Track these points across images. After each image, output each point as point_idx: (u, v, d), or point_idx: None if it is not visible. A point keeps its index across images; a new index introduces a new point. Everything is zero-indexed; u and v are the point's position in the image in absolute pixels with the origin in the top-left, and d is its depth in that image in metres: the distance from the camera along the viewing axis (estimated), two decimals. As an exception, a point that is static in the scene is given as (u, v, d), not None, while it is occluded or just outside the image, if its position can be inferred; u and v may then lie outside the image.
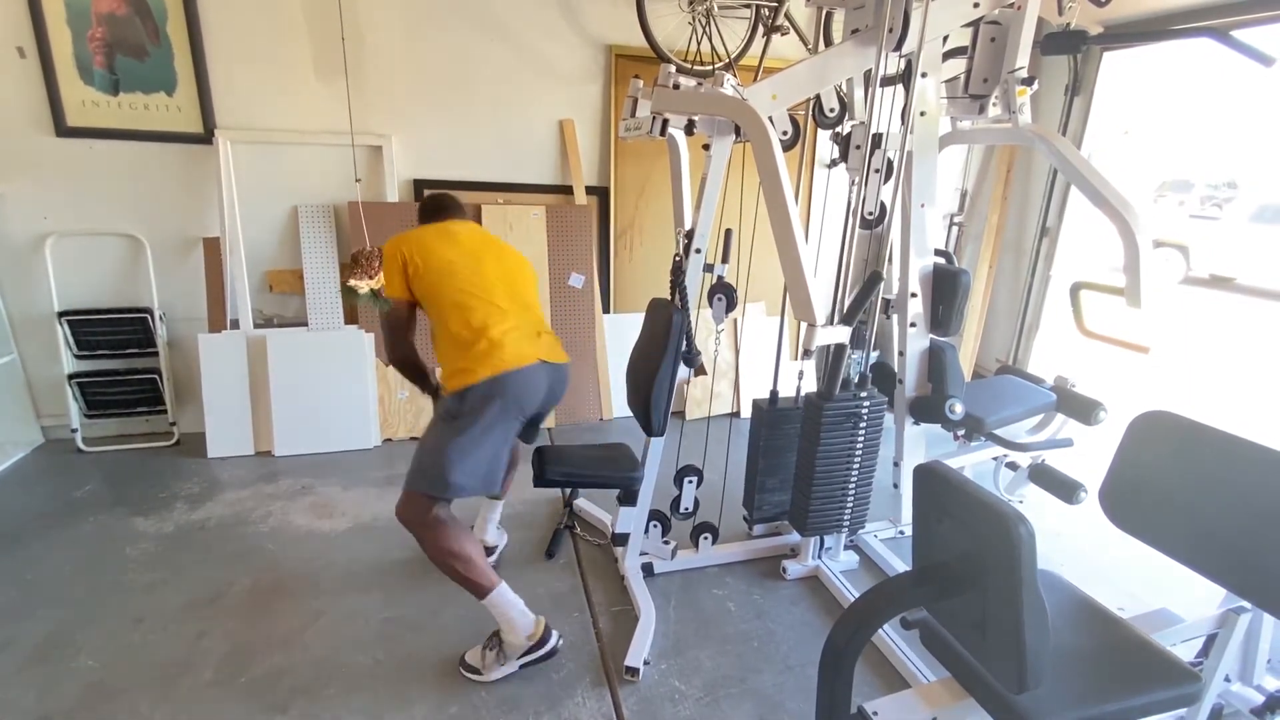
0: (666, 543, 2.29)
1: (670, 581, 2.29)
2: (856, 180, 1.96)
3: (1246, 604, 1.63)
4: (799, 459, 2.17)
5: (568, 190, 3.46)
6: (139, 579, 2.21)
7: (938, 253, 2.28)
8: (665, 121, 1.79)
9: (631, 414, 2.15)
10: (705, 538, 2.35)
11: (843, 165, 2.22)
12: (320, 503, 2.73)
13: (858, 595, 2.17)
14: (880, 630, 2.01)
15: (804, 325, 1.55)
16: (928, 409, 2.32)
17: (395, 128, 3.19)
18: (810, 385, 2.25)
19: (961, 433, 2.70)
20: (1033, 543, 1.14)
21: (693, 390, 3.63)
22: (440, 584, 2.22)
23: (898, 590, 1.36)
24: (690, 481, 2.28)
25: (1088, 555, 2.51)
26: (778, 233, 1.45)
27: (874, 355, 2.31)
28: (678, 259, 1.99)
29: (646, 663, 1.88)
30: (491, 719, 1.71)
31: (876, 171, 1.98)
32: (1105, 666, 1.39)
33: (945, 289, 2.22)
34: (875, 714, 1.36)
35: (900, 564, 2.37)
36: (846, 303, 2.00)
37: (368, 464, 3.07)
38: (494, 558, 2.35)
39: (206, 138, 2.99)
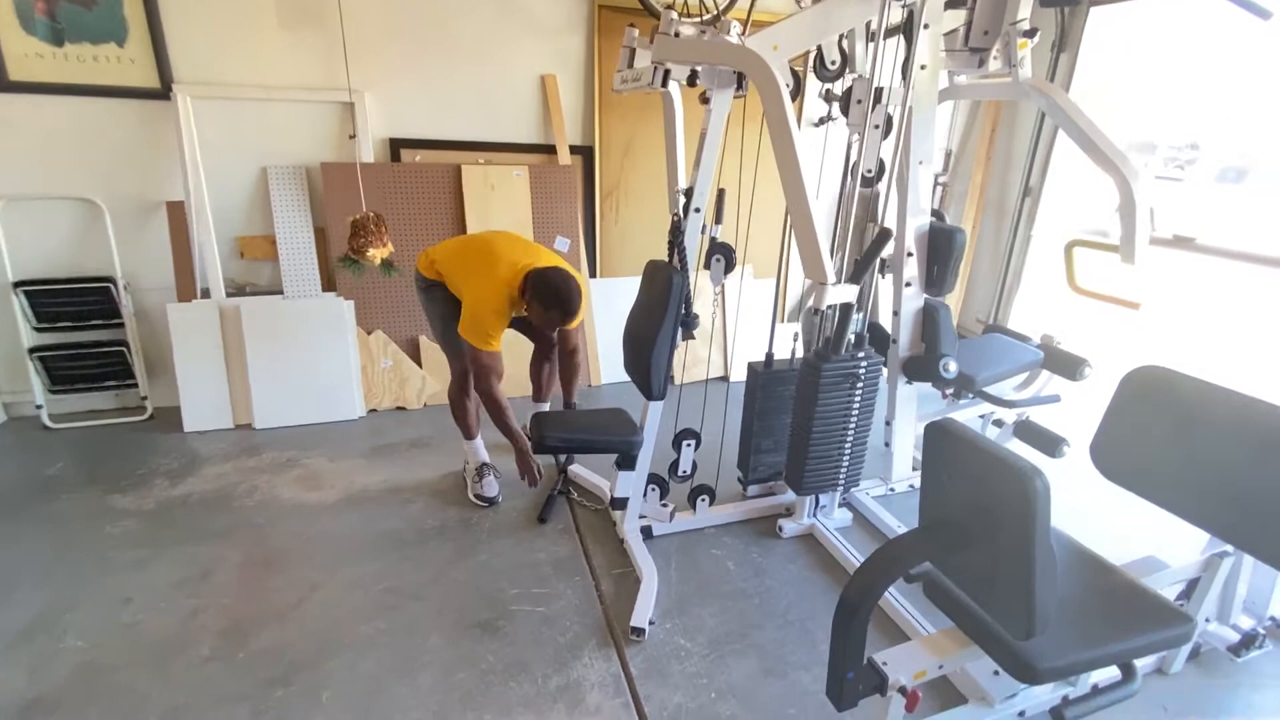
0: (665, 505, 2.29)
1: (669, 543, 2.30)
2: (858, 136, 1.92)
3: (1229, 548, 1.70)
4: (796, 420, 2.17)
5: (550, 149, 3.35)
6: (123, 557, 2.14)
7: (931, 212, 2.27)
8: (667, 72, 1.72)
9: (623, 379, 2.13)
10: (703, 499, 2.36)
11: (829, 124, 2.18)
12: (307, 475, 2.66)
13: (853, 551, 2.22)
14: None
15: (811, 284, 1.53)
16: (921, 368, 2.34)
17: (368, 83, 3.02)
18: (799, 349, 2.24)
19: (950, 391, 2.75)
20: (1048, 495, 1.15)
21: (680, 355, 3.61)
22: (436, 552, 2.21)
23: (909, 546, 1.38)
24: (688, 444, 2.28)
25: (1069, 507, 2.58)
26: (788, 189, 1.42)
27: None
28: (676, 218, 1.94)
29: (651, 623, 1.90)
30: (499, 683, 1.72)
31: (876, 127, 1.94)
32: (1102, 611, 1.43)
33: (940, 248, 2.21)
34: (885, 664, 1.39)
35: (891, 519, 2.42)
36: (843, 262, 1.99)
37: (353, 435, 3.01)
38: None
39: (164, 93, 2.80)
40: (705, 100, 1.90)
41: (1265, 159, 3.04)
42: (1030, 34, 1.92)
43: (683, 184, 2.04)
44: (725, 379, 3.73)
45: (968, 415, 2.78)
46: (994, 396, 2.54)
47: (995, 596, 1.31)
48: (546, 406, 2.75)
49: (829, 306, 1.50)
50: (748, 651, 1.85)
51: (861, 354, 2.05)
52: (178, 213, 2.95)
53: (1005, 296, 3.93)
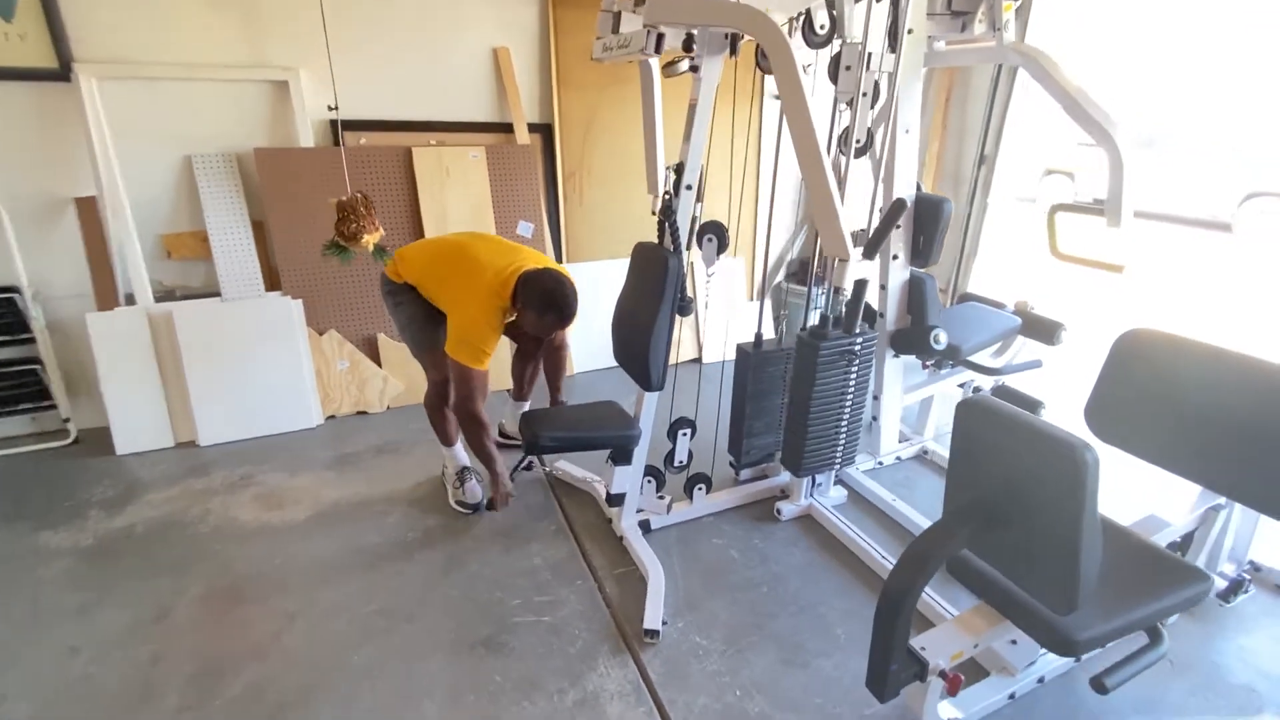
0: (661, 498, 2.21)
1: (668, 536, 2.22)
2: (849, 105, 1.85)
3: (1222, 500, 1.75)
4: (792, 400, 2.11)
5: (507, 128, 3.15)
6: (63, 602, 1.90)
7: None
8: (660, 36, 1.59)
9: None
10: (699, 488, 2.29)
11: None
12: (266, 493, 2.44)
13: (853, 528, 2.20)
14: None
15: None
16: (909, 341, 2.31)
17: (303, 59, 2.75)
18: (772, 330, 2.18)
19: (931, 362, 2.76)
20: (1098, 467, 1.13)
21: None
22: (424, 567, 2.06)
23: (946, 533, 1.34)
24: (684, 434, 2.19)
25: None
26: (803, 157, 1.33)
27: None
28: (667, 196, 1.82)
29: (664, 623, 1.82)
30: (512, 704, 1.60)
31: (865, 95, 1.87)
32: (1125, 576, 1.44)
33: (927, 219, 2.18)
34: (923, 649, 1.36)
35: (884, 492, 2.41)
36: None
37: (312, 445, 2.78)
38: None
39: (63, 74, 2.46)
40: (689, 71, 1.78)
41: (1177, 128, 3.20)
42: (1015, -5, 1.88)
43: (664, 160, 1.93)
44: (697, 360, 3.66)
45: (946, 386, 2.80)
46: (978, 365, 2.56)
47: (1034, 572, 1.28)
48: (527, 406, 2.61)
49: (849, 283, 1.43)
50: (765, 643, 1.79)
51: (857, 330, 2.01)
52: (89, 210, 2.63)
53: (964, 265, 4.01)
